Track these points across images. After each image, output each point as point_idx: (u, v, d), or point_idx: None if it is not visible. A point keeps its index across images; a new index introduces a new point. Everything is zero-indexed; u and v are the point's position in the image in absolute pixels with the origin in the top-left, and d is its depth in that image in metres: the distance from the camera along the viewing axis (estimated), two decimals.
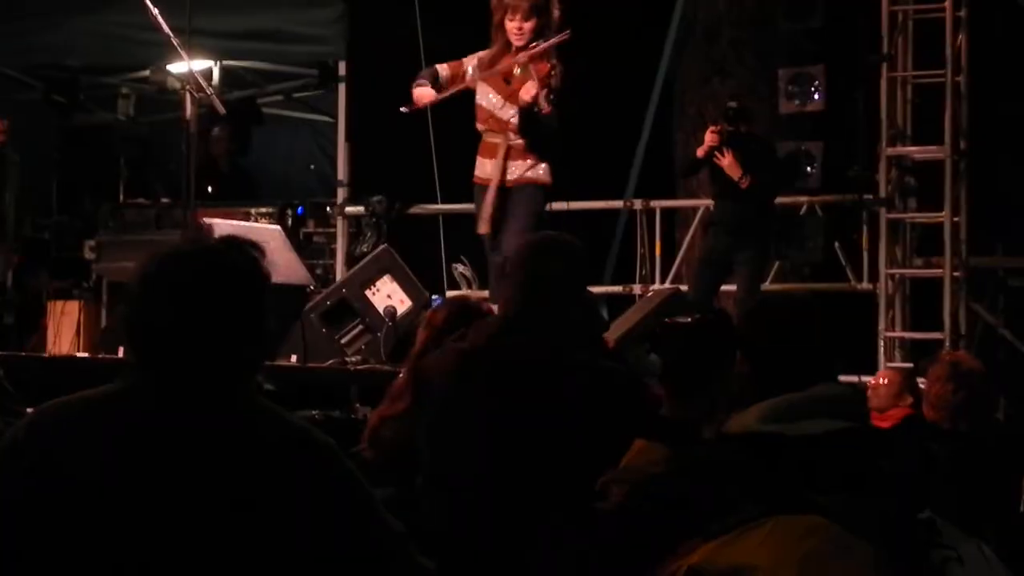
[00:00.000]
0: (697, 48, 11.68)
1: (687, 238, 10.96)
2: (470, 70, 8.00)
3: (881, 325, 10.22)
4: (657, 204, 11.00)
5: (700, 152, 9.40)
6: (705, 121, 10.18)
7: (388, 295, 8.38)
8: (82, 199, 11.33)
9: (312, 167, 12.93)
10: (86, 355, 9.06)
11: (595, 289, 9.34)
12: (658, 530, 3.27)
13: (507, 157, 7.86)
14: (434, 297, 8.59)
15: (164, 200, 10.82)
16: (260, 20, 10.95)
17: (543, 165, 7.88)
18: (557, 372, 3.95)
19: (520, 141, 7.84)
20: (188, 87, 8.08)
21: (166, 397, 2.68)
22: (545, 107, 7.61)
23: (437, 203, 10.93)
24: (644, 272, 10.86)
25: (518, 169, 7.88)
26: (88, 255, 10.17)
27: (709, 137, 9.32)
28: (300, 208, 11.04)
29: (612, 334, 6.50)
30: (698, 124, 10.55)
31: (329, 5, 10.92)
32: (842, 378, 3.71)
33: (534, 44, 7.78)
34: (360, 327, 8.33)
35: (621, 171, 11.98)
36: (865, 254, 10.44)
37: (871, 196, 10.34)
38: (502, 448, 3.89)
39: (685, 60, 11.81)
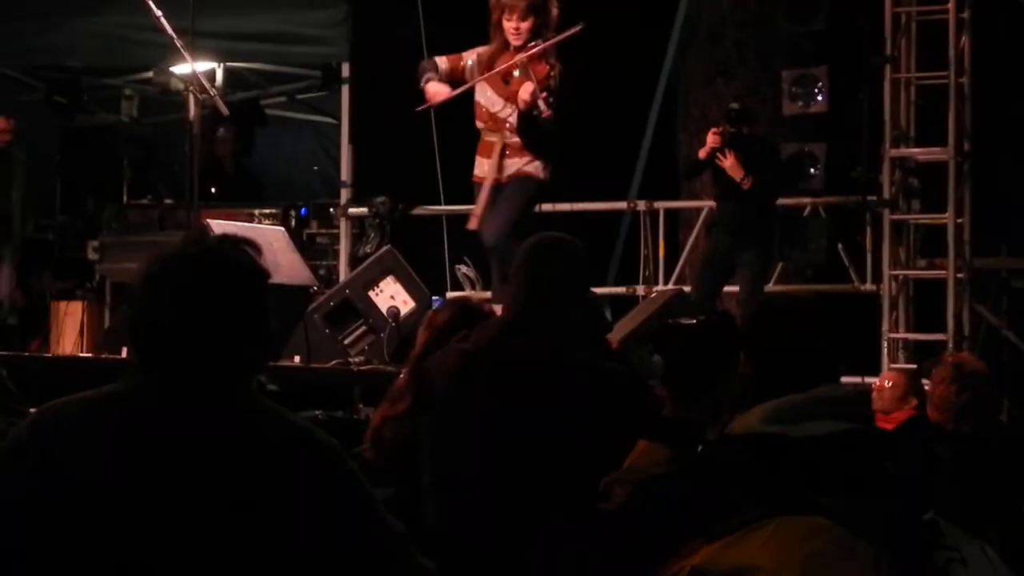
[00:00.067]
0: (701, 49, 11.68)
1: (690, 239, 10.97)
2: (469, 63, 7.98)
3: (884, 326, 10.21)
4: (661, 205, 11.00)
5: (702, 154, 9.40)
6: (709, 122, 10.17)
7: (391, 296, 8.38)
8: (85, 200, 11.34)
9: (316, 168, 12.94)
10: (89, 355, 9.07)
11: (598, 290, 9.34)
12: (661, 531, 3.27)
13: (503, 155, 7.85)
14: (434, 298, 8.59)
15: (167, 201, 10.83)
16: (263, 21, 10.96)
17: (539, 162, 7.87)
18: (558, 372, 3.95)
19: (516, 139, 7.84)
20: (191, 88, 8.08)
21: (169, 397, 2.68)
22: (544, 110, 7.60)
23: (440, 204, 10.94)
24: (647, 273, 10.86)
25: (514, 165, 7.88)
26: (91, 256, 10.18)
27: (711, 139, 9.32)
28: (304, 209, 11.05)
29: (615, 335, 6.49)
30: (702, 125, 10.54)
31: (333, 7, 10.93)
32: (845, 379, 3.71)
33: (533, 44, 7.77)
34: (363, 328, 8.34)
35: (625, 172, 11.97)
36: (868, 255, 10.44)
37: (874, 197, 10.34)
38: (503, 448, 3.89)
39: (689, 61, 11.81)
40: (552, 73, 7.73)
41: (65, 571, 2.63)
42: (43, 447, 2.68)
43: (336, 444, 2.75)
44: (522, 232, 7.71)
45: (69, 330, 9.89)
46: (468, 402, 3.98)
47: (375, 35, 10.96)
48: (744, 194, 9.25)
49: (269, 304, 2.75)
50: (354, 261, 10.48)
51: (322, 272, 10.53)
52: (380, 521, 2.76)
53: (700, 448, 3.56)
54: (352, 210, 11.00)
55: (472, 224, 7.94)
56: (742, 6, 11.46)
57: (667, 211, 11.03)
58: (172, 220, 10.23)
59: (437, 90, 7.90)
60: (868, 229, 10.45)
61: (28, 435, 2.71)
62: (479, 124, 8.01)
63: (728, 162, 9.24)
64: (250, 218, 10.42)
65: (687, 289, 9.68)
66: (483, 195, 7.89)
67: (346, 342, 8.29)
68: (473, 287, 10.22)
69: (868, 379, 8.43)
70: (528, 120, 7.72)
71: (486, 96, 7.91)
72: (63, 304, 10.22)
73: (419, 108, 8.12)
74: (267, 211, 10.78)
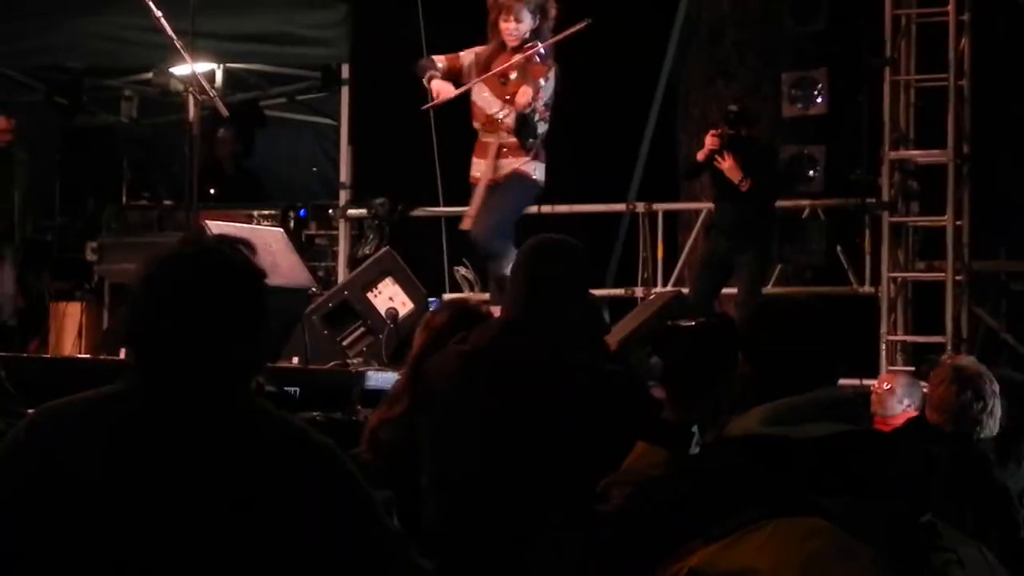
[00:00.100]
0: (701, 49, 11.68)
1: (689, 241, 10.97)
2: (467, 63, 7.97)
3: (883, 329, 10.21)
4: (660, 207, 11.00)
5: (700, 156, 9.40)
6: (708, 122, 10.18)
7: (390, 297, 8.39)
8: (84, 201, 11.34)
9: (315, 169, 12.94)
10: (88, 356, 9.07)
11: (597, 292, 9.32)
12: (659, 532, 3.27)
13: (498, 156, 7.84)
14: (431, 299, 8.60)
15: (166, 202, 10.84)
16: (263, 22, 10.96)
17: (534, 163, 7.84)
18: (557, 373, 3.95)
19: (512, 140, 7.81)
20: (191, 89, 8.09)
21: (167, 398, 2.68)
22: (541, 112, 7.60)
23: (439, 205, 10.94)
24: (646, 275, 10.86)
25: (509, 165, 7.85)
26: (90, 257, 10.19)
27: (709, 141, 9.32)
28: (302, 210, 11.06)
29: (614, 337, 6.49)
30: (702, 126, 10.54)
31: (332, 8, 10.93)
32: (844, 382, 3.71)
33: (530, 45, 7.75)
34: (362, 329, 8.34)
35: (624, 174, 11.97)
36: (867, 258, 10.44)
37: (873, 200, 10.34)
38: (502, 449, 3.89)
39: (689, 61, 11.81)
40: (549, 75, 7.72)
41: (64, 572, 2.63)
42: (41, 448, 2.68)
43: (333, 444, 2.75)
44: (512, 232, 7.72)
45: (68, 331, 9.90)
46: (467, 403, 3.98)
47: (375, 36, 10.96)
48: (742, 196, 9.25)
49: (268, 305, 2.75)
50: (353, 262, 10.48)
51: (321, 273, 10.53)
52: (378, 521, 2.76)
53: (698, 449, 3.56)
54: (351, 211, 11.00)
55: (465, 224, 7.93)
56: (742, 6, 11.46)
57: (666, 213, 11.03)
58: (171, 221, 10.24)
59: (442, 88, 7.86)
60: (867, 231, 10.45)
61: (26, 436, 2.71)
62: (475, 124, 8.00)
63: (726, 164, 9.24)
64: (249, 219, 10.42)
65: (686, 291, 9.68)
66: (478, 196, 7.88)
67: (344, 343, 8.29)
68: (472, 289, 10.23)
69: (867, 381, 8.43)
70: (525, 121, 7.71)
71: (483, 97, 7.90)
72: (62, 305, 10.23)
73: (425, 107, 8.10)
74: (266, 212, 10.78)
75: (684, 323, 3.88)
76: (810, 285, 10.58)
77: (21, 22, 10.88)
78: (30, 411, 2.91)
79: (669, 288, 10.46)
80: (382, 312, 8.29)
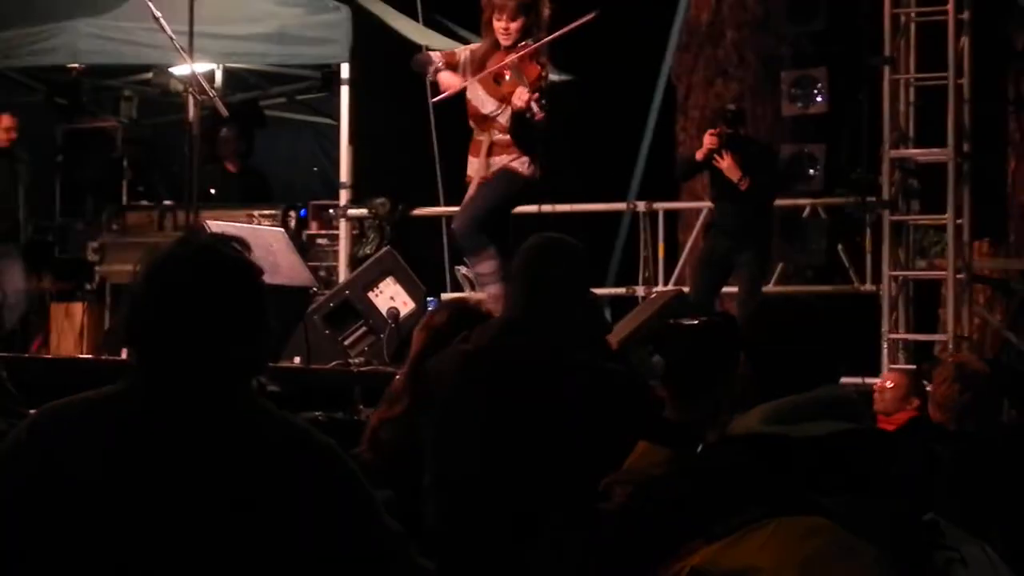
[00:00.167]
0: (701, 49, 11.68)
1: (690, 240, 10.97)
2: (463, 60, 7.94)
3: (884, 327, 10.21)
4: (660, 206, 11.00)
5: (699, 155, 9.39)
6: (708, 123, 10.17)
7: (391, 297, 8.39)
8: (85, 201, 11.34)
9: (315, 169, 12.95)
10: (89, 357, 9.07)
11: (598, 291, 9.33)
12: (660, 531, 3.26)
13: (489, 154, 7.79)
14: (429, 299, 8.59)
15: (167, 202, 10.83)
16: (263, 23, 10.95)
17: (525, 158, 7.77)
18: (558, 372, 3.95)
19: (504, 137, 7.74)
20: (191, 89, 8.09)
21: (168, 398, 2.68)
22: (537, 112, 7.58)
23: (440, 205, 10.93)
24: (647, 274, 10.86)
25: (499, 162, 7.79)
26: (91, 257, 10.19)
27: (708, 140, 9.31)
28: (303, 210, 11.06)
29: (615, 336, 6.49)
30: (701, 126, 10.55)
31: (332, 8, 10.92)
32: (845, 380, 3.71)
33: (523, 44, 7.71)
34: (363, 329, 8.34)
35: (624, 173, 11.98)
36: (868, 256, 10.44)
37: (874, 198, 10.34)
38: (503, 448, 3.89)
39: (688, 61, 11.81)
40: (543, 74, 7.69)
41: (65, 572, 2.63)
42: (42, 448, 2.67)
43: (334, 444, 2.75)
44: (494, 229, 7.67)
45: (69, 331, 9.90)
46: (469, 402, 3.98)
47: (374, 36, 10.96)
48: (741, 195, 9.24)
49: (268, 304, 2.75)
50: (354, 262, 10.48)
51: (322, 273, 10.53)
52: (379, 521, 2.76)
53: (700, 448, 3.56)
54: (351, 211, 11.00)
55: (455, 222, 7.92)
56: (742, 6, 11.46)
57: (667, 212, 11.04)
58: (172, 221, 10.24)
59: (450, 80, 7.81)
60: (868, 230, 10.45)
61: (27, 436, 2.71)
62: (470, 123, 7.98)
63: (725, 163, 9.24)
64: (249, 219, 10.42)
65: (687, 290, 9.68)
66: (470, 194, 7.86)
67: (346, 343, 8.30)
68: (472, 288, 10.22)
69: (868, 380, 8.44)
70: (521, 120, 7.69)
71: (477, 96, 7.86)
72: (63, 305, 10.23)
73: (435, 99, 8.06)
74: (266, 212, 10.78)
75: (685, 322, 3.88)
76: (811, 284, 10.59)
77: (22, 23, 10.87)
78: (31, 411, 2.90)
79: (670, 287, 10.46)
80: (383, 312, 8.29)
